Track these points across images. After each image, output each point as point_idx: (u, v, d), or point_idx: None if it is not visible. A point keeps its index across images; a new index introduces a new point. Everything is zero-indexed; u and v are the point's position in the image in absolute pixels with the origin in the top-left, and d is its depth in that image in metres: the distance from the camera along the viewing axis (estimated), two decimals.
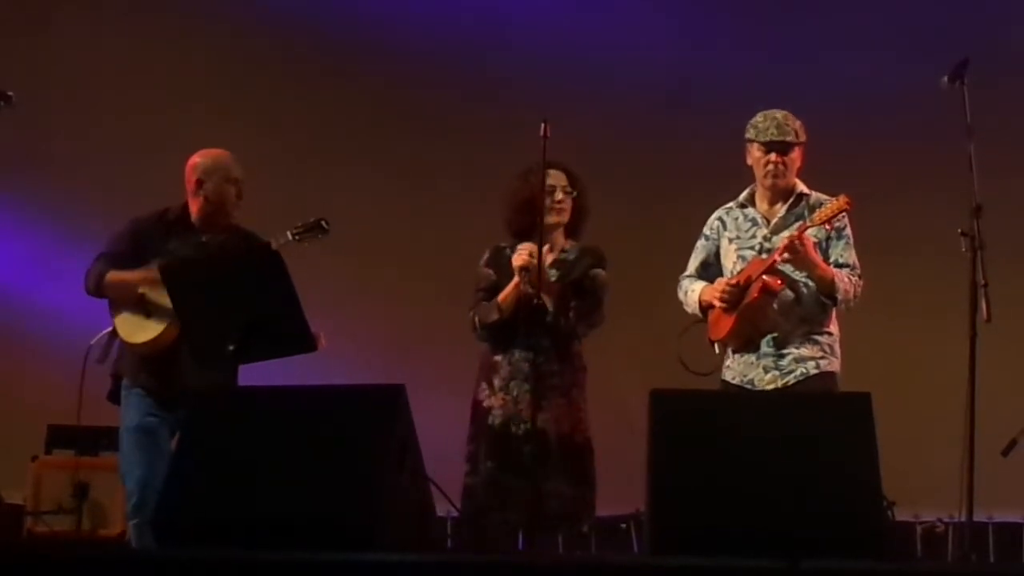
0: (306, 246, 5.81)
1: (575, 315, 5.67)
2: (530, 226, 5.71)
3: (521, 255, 5.64)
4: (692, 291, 5.75)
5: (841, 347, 5.62)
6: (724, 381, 5.64)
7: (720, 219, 5.78)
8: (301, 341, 5.13)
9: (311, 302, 5.12)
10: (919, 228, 7.87)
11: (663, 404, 4.43)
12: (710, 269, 5.78)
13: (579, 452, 5.68)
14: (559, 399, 5.70)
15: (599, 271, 5.82)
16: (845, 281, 5.48)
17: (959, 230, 5.28)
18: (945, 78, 5.38)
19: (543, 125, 5.50)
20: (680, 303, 5.82)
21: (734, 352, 5.62)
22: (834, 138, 6.74)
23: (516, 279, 5.64)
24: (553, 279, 5.74)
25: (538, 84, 8.37)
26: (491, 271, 5.86)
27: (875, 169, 8.00)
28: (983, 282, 5.20)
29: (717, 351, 5.68)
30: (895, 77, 8.14)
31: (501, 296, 5.73)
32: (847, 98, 8.21)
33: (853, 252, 5.58)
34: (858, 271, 5.56)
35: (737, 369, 5.61)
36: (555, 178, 5.75)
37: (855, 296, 5.53)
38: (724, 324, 5.58)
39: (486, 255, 5.92)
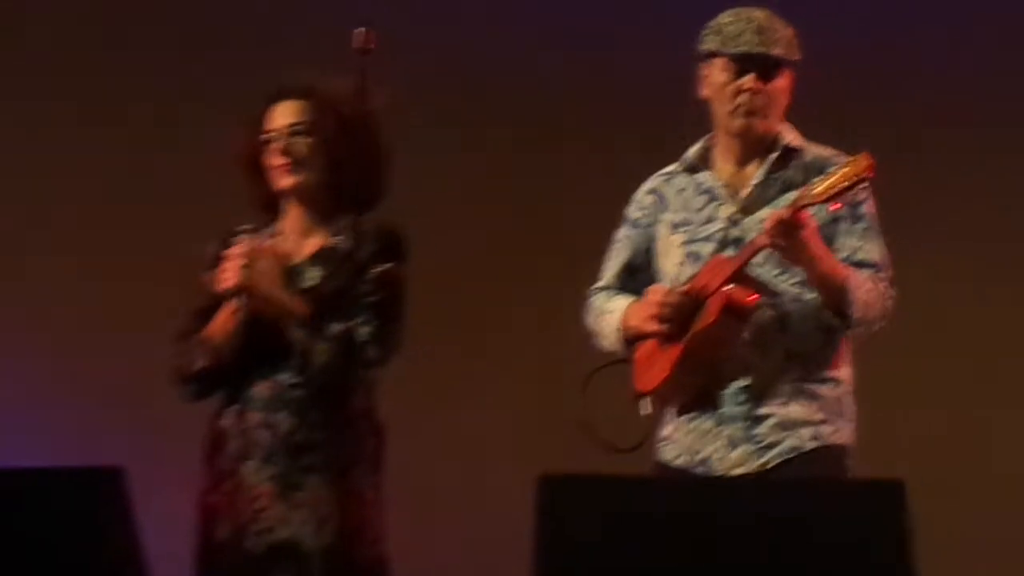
0: None
1: (346, 342, 4.16)
2: (270, 199, 4.26)
3: (232, 263, 4.07)
4: (609, 313, 4.39)
5: (856, 401, 4.32)
6: (660, 463, 4.33)
7: (655, 192, 4.41)
8: None
9: None
10: (987, 209, 6.60)
11: (557, 498, 3.40)
12: (639, 276, 4.42)
13: None
14: (327, 489, 4.15)
15: (390, 266, 4.25)
16: (865, 287, 4.19)
17: None
18: None
19: (362, 33, 3.98)
20: (588, 333, 4.47)
21: (678, 414, 4.31)
22: (854, 70, 5.85)
23: (231, 304, 4.11)
24: (309, 285, 4.19)
25: None
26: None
27: (914, 115, 6.63)
28: None
29: (649, 411, 4.33)
30: None
31: (209, 330, 4.20)
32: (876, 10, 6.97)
33: (879, 243, 4.29)
34: (888, 273, 4.28)
35: (684, 442, 4.27)
36: (280, 114, 4.20)
37: (883, 313, 4.23)
38: (662, 365, 4.23)
39: (211, 250, 4.35)
